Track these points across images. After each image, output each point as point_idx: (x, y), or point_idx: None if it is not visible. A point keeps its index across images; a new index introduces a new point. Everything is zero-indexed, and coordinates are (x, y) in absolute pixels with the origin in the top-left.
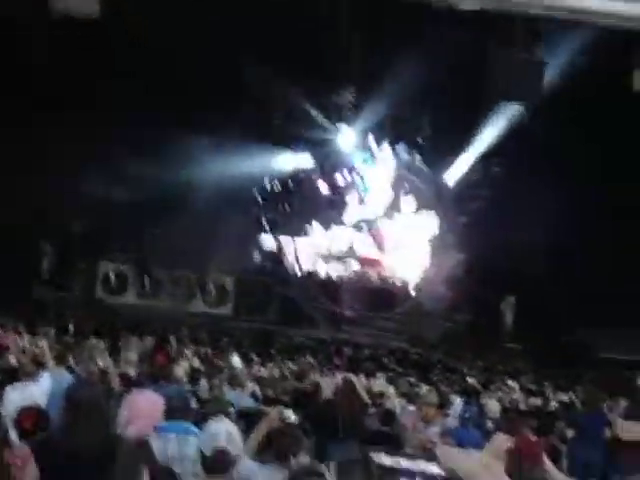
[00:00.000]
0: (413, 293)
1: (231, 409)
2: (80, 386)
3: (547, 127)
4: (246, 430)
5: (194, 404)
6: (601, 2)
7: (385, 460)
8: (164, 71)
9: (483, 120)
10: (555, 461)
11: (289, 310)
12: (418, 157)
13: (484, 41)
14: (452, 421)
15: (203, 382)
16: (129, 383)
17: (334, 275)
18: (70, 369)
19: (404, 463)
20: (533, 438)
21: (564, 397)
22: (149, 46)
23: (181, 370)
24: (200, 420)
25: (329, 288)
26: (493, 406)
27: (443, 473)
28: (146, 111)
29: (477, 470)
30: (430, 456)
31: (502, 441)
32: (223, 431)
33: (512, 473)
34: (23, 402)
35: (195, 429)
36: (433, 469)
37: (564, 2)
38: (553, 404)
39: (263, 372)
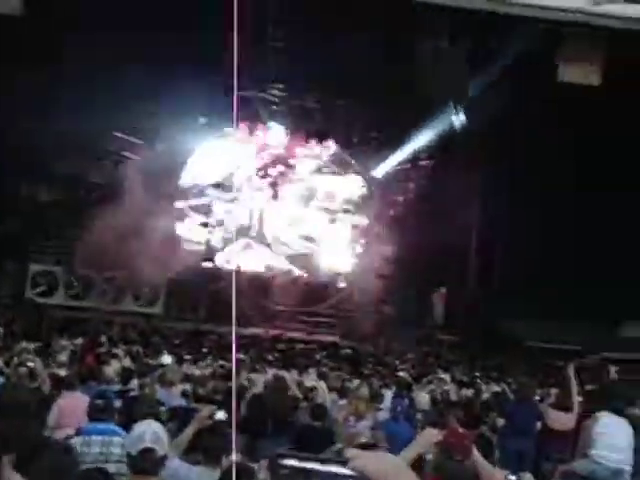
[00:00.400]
0: (343, 286)
1: (162, 408)
2: (8, 388)
3: (476, 120)
4: (177, 430)
5: (121, 404)
6: None
7: (293, 462)
8: None
9: (413, 115)
10: (487, 452)
11: (220, 307)
12: (347, 151)
13: (413, 36)
14: (384, 415)
15: (134, 382)
16: (59, 385)
17: (264, 270)
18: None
19: (313, 465)
20: (462, 431)
21: (496, 388)
22: None
23: (111, 370)
24: (128, 421)
25: (259, 284)
26: (423, 399)
27: (352, 474)
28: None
29: (387, 473)
30: (342, 460)
31: (431, 435)
32: (149, 431)
33: (441, 466)
34: None
35: (120, 430)
36: (342, 471)
37: None
38: (485, 395)
39: (194, 370)
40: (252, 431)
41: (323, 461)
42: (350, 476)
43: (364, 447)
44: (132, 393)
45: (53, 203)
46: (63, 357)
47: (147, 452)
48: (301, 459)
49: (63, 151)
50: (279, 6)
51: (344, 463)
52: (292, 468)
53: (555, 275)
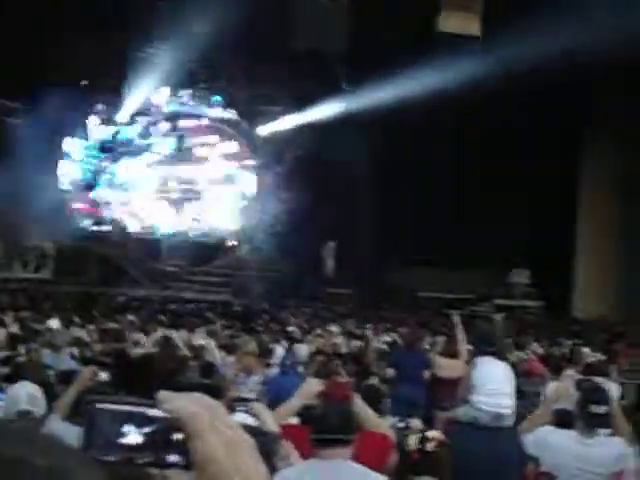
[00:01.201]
0: (233, 245)
1: (50, 372)
2: None
3: (351, 72)
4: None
5: (10, 370)
6: None
7: (105, 406)
8: None
9: (294, 69)
10: (375, 401)
11: (110, 270)
12: (232, 109)
13: None
14: (275, 370)
15: (21, 347)
16: None
17: (154, 231)
18: None
19: (124, 407)
20: (344, 380)
21: (387, 338)
22: None
23: None
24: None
25: (149, 245)
26: (302, 350)
27: (163, 415)
28: None
29: (198, 412)
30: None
31: (313, 385)
32: (24, 393)
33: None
34: None
35: (2, 395)
36: (154, 412)
37: None
38: (375, 345)
39: (83, 334)
40: (138, 391)
41: (139, 404)
42: (163, 418)
43: (238, 400)
44: (19, 359)
45: None
46: None
47: (24, 414)
48: (116, 403)
49: None
50: None
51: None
52: (105, 410)
53: (444, 224)
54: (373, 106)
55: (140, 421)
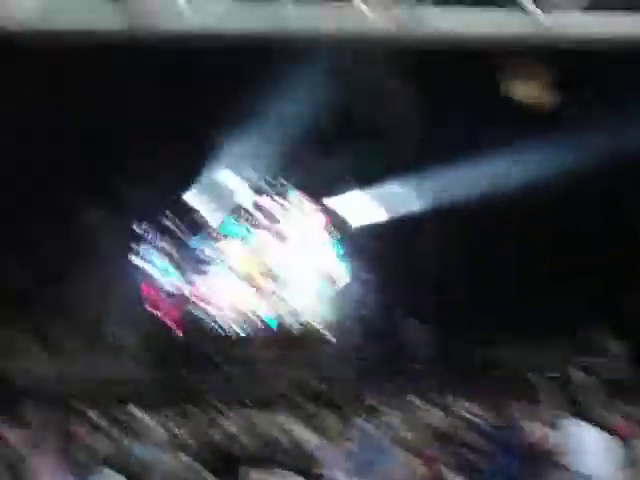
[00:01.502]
0: (320, 333)
1: None
2: None
3: None
4: None
5: None
6: None
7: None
8: None
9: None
10: None
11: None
12: (303, 191)
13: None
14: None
15: None
16: None
17: (239, 322)
18: None
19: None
20: None
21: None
22: None
23: None
24: None
25: (237, 337)
26: None
27: None
28: None
29: None
30: None
31: None
32: None
33: None
34: None
35: None
36: None
37: None
38: None
39: None
40: None
41: None
42: None
43: None
44: None
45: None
46: None
47: None
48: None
49: None
50: None
51: None
52: None
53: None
54: None
55: None
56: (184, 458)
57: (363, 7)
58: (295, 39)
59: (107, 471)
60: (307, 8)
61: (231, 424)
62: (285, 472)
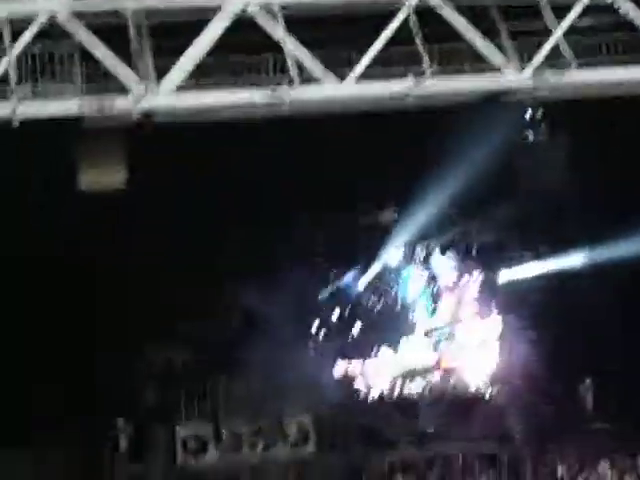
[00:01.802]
0: (490, 396)
1: None
2: None
3: None
4: None
5: None
6: None
7: None
8: None
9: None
10: None
11: (372, 437)
12: (468, 260)
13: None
14: None
15: None
16: None
17: (411, 392)
18: None
19: None
20: None
21: None
22: None
23: None
24: None
25: (406, 407)
26: None
27: None
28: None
29: None
30: None
31: None
32: None
33: None
34: None
35: None
36: None
37: None
38: None
39: None
40: None
41: None
42: None
43: None
44: None
45: (188, 365)
46: None
47: None
48: None
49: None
50: None
51: None
52: None
53: None
54: None
55: None
56: None
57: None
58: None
59: None
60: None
61: None
62: None
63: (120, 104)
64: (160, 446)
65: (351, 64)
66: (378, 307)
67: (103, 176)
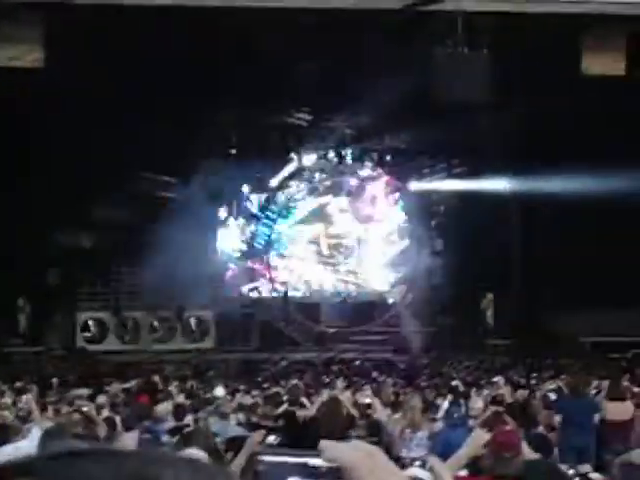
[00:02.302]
0: (391, 302)
1: (218, 439)
2: (54, 435)
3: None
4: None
5: (177, 440)
6: None
7: (269, 458)
8: None
9: (436, 122)
10: (544, 450)
11: (271, 335)
12: (381, 167)
13: (424, 42)
14: (440, 425)
15: (189, 417)
16: (115, 427)
17: (311, 294)
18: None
19: (287, 458)
20: (510, 428)
21: (551, 386)
22: None
23: (164, 408)
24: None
25: (308, 308)
26: (475, 403)
27: (326, 464)
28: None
29: (362, 461)
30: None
31: (480, 436)
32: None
33: (492, 465)
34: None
35: None
36: (316, 461)
37: None
38: (540, 394)
39: (248, 400)
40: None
41: (301, 455)
42: (326, 467)
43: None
44: (188, 429)
45: (94, 249)
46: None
47: None
48: (278, 454)
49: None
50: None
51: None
52: (269, 463)
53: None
54: None
55: (304, 471)
56: None
57: None
58: None
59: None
60: None
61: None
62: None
63: None
64: (60, 328)
65: None
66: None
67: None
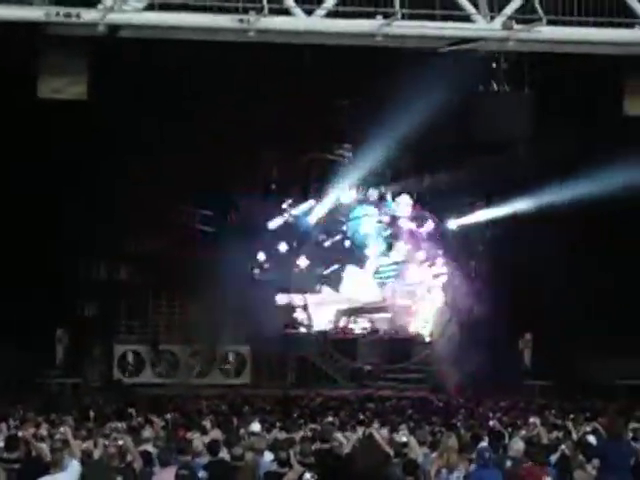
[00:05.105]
0: (428, 340)
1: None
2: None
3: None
4: None
5: (209, 475)
6: None
7: None
8: None
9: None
10: None
11: (307, 371)
12: (421, 207)
13: (467, 82)
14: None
15: (224, 452)
16: (150, 461)
17: (352, 329)
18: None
19: None
20: (539, 468)
21: (587, 428)
22: None
23: (199, 443)
24: None
25: (345, 344)
26: (516, 445)
27: None
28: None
29: None
30: None
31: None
32: None
33: None
34: None
35: None
36: None
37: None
38: (575, 436)
39: (284, 436)
40: None
41: None
42: None
43: None
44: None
45: (133, 281)
46: (151, 433)
47: None
48: None
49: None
50: None
51: None
52: None
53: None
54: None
55: None
56: None
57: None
58: None
59: None
60: None
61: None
62: None
63: (87, 15)
64: (97, 361)
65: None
66: (327, 243)
67: (64, 85)
